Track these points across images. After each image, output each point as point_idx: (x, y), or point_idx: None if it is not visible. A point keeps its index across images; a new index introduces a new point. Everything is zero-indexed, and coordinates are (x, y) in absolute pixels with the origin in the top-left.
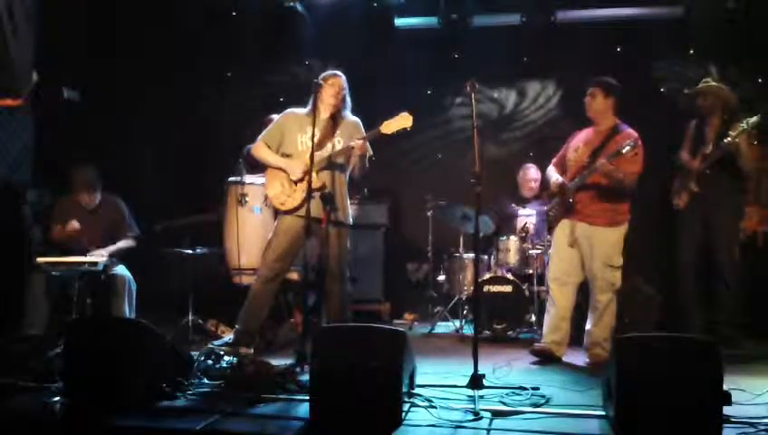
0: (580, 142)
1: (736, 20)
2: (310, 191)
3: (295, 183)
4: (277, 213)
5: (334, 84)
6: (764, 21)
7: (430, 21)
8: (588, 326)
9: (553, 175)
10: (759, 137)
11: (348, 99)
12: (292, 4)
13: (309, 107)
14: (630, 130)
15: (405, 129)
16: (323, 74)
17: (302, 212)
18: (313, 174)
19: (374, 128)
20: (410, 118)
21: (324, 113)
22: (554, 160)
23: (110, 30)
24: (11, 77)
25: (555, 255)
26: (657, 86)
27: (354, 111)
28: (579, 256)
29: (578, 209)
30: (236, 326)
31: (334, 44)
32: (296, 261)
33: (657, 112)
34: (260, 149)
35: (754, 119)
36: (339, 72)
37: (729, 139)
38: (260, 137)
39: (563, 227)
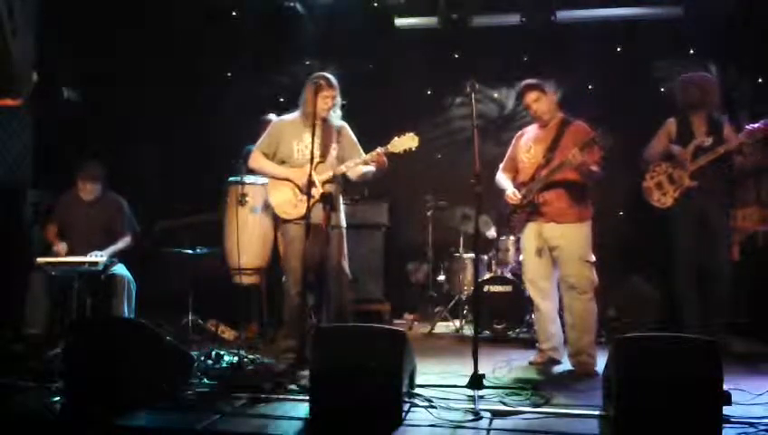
0: (530, 142)
1: (736, 20)
2: (309, 196)
3: (302, 192)
4: (277, 218)
5: (332, 91)
6: (764, 21)
7: (430, 21)
8: (568, 333)
9: (506, 183)
10: None
11: (338, 103)
12: (292, 4)
13: (300, 111)
14: (581, 122)
15: (411, 149)
16: (319, 76)
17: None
18: (318, 183)
19: (381, 140)
20: (417, 139)
21: (317, 118)
22: (502, 165)
23: (110, 30)
24: (11, 77)
25: (526, 258)
26: (657, 86)
27: (354, 112)
28: (550, 259)
29: (544, 211)
30: (281, 335)
31: (334, 44)
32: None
33: (657, 112)
34: (258, 160)
35: None
36: (331, 77)
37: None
38: (255, 147)
39: (531, 230)
